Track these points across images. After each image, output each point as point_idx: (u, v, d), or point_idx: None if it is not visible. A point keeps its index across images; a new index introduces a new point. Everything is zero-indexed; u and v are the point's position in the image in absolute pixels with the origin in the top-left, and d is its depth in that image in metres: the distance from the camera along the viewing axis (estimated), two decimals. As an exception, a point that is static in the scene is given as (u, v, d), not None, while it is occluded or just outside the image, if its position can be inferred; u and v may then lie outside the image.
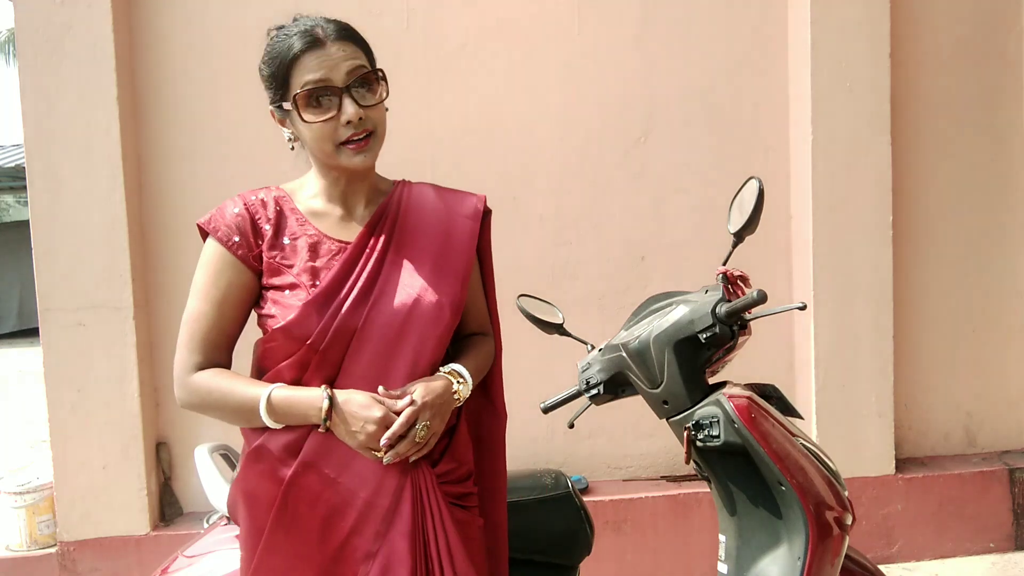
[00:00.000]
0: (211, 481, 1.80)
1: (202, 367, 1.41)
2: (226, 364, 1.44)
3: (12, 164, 12.43)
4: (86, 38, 2.88)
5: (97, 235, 2.90)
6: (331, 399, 1.32)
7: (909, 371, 3.32)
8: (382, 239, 1.44)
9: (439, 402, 1.37)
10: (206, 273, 1.42)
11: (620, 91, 3.19)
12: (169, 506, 3.09)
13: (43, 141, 2.89)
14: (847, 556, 1.60)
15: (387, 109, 1.45)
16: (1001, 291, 3.43)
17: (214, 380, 1.39)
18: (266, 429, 1.37)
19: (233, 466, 1.91)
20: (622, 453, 3.25)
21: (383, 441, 1.31)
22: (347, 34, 1.41)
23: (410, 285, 1.41)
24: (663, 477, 3.25)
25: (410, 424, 1.33)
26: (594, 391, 1.75)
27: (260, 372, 1.42)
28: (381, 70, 1.43)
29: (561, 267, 3.19)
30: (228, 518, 1.78)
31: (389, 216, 1.47)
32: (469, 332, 1.58)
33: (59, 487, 2.94)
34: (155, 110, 3.05)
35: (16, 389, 8.74)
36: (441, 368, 1.43)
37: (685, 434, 1.58)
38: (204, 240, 1.45)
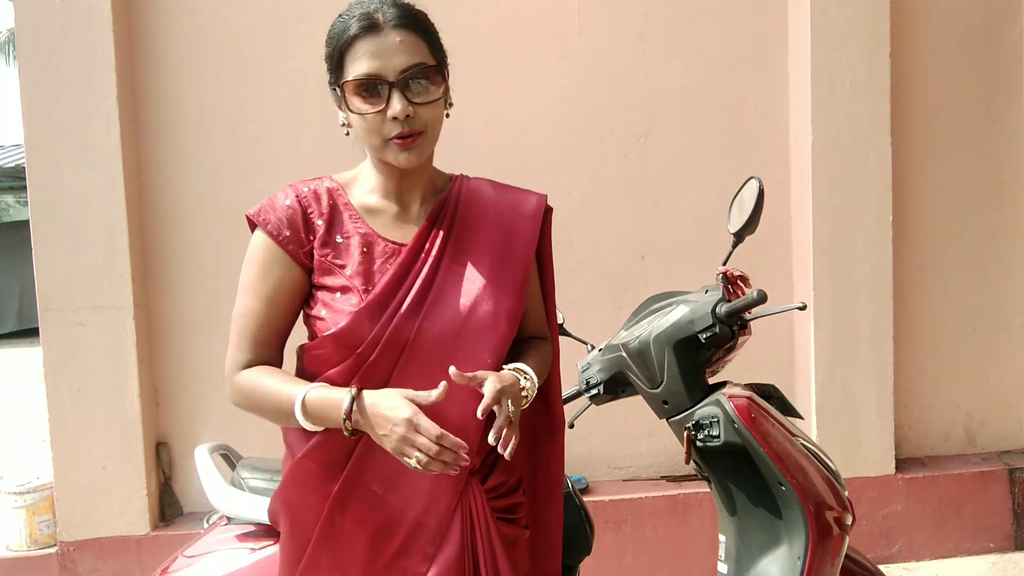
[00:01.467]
0: (211, 481, 1.80)
1: (251, 365, 1.34)
2: (276, 361, 1.38)
3: (12, 164, 12.43)
4: (86, 38, 2.88)
5: (97, 235, 2.90)
6: (353, 399, 1.23)
7: (909, 371, 3.32)
8: (438, 242, 1.36)
9: (513, 391, 1.27)
10: (254, 268, 1.35)
11: (620, 91, 3.19)
12: (169, 506, 3.09)
13: (43, 141, 2.89)
14: (847, 556, 1.60)
15: (451, 104, 1.36)
16: (1001, 291, 3.43)
17: (257, 379, 1.32)
18: (310, 437, 1.32)
19: (233, 466, 1.91)
20: (622, 453, 3.25)
21: (480, 412, 1.20)
22: (409, 21, 1.30)
23: (466, 293, 1.34)
24: (663, 477, 3.25)
25: (497, 401, 1.22)
26: (594, 391, 1.75)
27: (306, 379, 1.35)
28: (442, 65, 1.33)
29: (561, 267, 3.17)
30: (229, 518, 1.78)
31: (446, 216, 1.39)
32: (527, 336, 1.51)
33: (59, 487, 2.94)
34: (155, 110, 3.05)
35: (16, 389, 8.74)
36: (506, 366, 1.34)
37: (685, 434, 1.58)
38: (252, 231, 1.37)
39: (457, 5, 3.11)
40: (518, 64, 3.16)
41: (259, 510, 1.62)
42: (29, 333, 12.53)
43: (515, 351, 1.45)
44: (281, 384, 1.31)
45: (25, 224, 3.15)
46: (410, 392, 1.24)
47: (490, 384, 1.23)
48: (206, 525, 1.90)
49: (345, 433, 1.25)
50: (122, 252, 2.91)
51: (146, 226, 3.06)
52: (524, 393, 1.32)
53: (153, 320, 3.06)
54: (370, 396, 1.25)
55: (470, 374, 1.25)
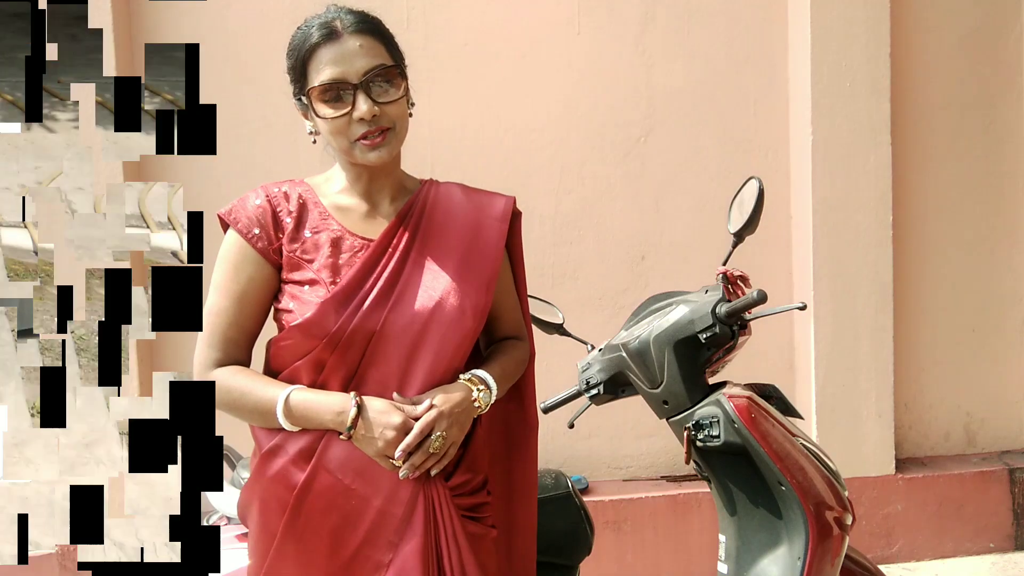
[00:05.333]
0: (211, 481, 1.80)
1: (221, 363, 1.37)
2: (245, 360, 1.41)
3: (12, 164, 12.43)
4: (86, 38, 2.87)
5: (97, 235, 2.90)
6: (359, 407, 1.29)
7: (909, 371, 3.32)
8: (406, 237, 1.40)
9: (457, 411, 1.33)
10: (226, 267, 1.39)
11: (620, 91, 3.19)
12: (169, 506, 3.09)
13: (43, 141, 2.89)
14: (847, 556, 1.60)
15: (412, 104, 1.41)
16: (1001, 291, 3.43)
17: (233, 378, 1.36)
18: (279, 431, 1.34)
19: (233, 466, 1.91)
20: (622, 453, 3.25)
21: (398, 452, 1.28)
22: (367, 26, 1.37)
23: (432, 287, 1.37)
24: (663, 477, 3.24)
25: (426, 433, 1.30)
26: (594, 391, 1.75)
27: (273, 373, 1.38)
28: (401, 65, 1.39)
29: (561, 267, 3.18)
30: (228, 518, 1.78)
31: (415, 214, 1.43)
32: (503, 336, 1.54)
33: (59, 487, 2.94)
34: (155, 110, 3.05)
35: (16, 389, 8.73)
36: (462, 375, 1.39)
37: (685, 434, 1.58)
38: (224, 231, 1.41)
39: (458, 7, 3.12)
40: (518, 65, 3.16)
41: (259, 510, 1.61)
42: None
43: (488, 353, 1.50)
44: (260, 384, 1.35)
45: (25, 224, 3.15)
46: (396, 402, 1.32)
47: (423, 421, 1.30)
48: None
49: (342, 438, 1.30)
50: (122, 252, 2.91)
51: (146, 226, 3.05)
52: (477, 404, 1.37)
53: (153, 320, 3.06)
54: (365, 400, 1.31)
55: (416, 397, 1.33)
